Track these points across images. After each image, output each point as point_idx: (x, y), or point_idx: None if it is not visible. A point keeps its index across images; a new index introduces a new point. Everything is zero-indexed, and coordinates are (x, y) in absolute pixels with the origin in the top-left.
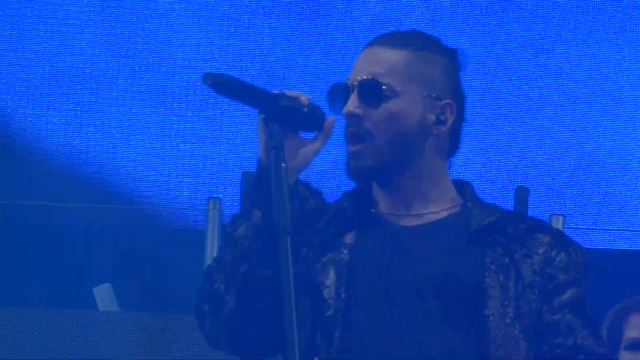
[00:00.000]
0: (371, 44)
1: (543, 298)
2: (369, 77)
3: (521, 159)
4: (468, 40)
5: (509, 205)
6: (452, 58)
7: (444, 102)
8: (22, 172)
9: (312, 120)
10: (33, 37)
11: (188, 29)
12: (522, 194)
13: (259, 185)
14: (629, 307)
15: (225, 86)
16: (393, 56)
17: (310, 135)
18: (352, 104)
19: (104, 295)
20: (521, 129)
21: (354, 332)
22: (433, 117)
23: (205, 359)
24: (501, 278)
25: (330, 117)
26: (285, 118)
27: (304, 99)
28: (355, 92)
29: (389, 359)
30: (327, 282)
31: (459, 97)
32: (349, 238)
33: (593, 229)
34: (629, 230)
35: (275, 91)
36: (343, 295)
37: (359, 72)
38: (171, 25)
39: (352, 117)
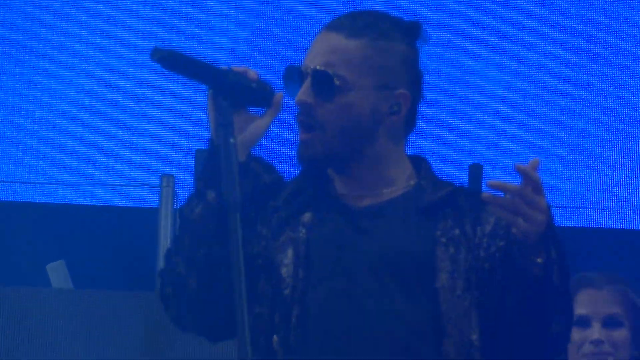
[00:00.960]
0: (328, 27)
1: (489, 255)
2: (323, 68)
3: (475, 135)
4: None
5: (463, 182)
6: (410, 42)
7: (399, 92)
8: None
9: (260, 95)
10: None
11: (144, 5)
12: (475, 170)
13: (211, 163)
14: (578, 283)
15: (172, 62)
16: (349, 46)
17: (260, 111)
18: (304, 93)
19: (58, 272)
20: (475, 106)
21: (311, 310)
22: (386, 108)
23: (158, 338)
24: (452, 250)
25: (279, 93)
26: (234, 94)
27: (252, 74)
28: (309, 81)
29: (346, 336)
30: (285, 261)
31: (415, 83)
32: (307, 217)
33: (556, 206)
34: (582, 208)
35: (224, 67)
36: (301, 274)
37: (314, 58)
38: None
39: (303, 106)
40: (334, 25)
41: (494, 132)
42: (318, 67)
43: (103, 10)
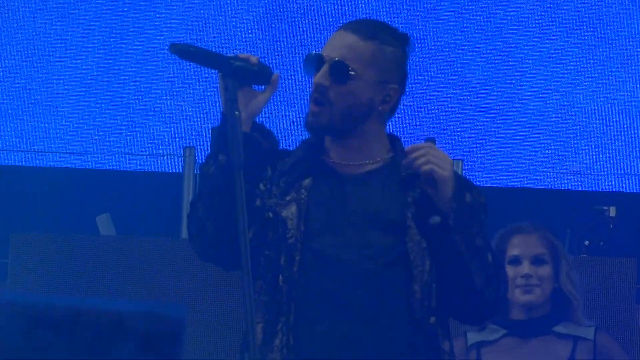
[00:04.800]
0: (346, 27)
1: (428, 211)
2: (340, 58)
3: (429, 112)
4: None
5: None
6: (404, 48)
7: (391, 86)
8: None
9: (261, 75)
10: None
11: None
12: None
13: (222, 131)
14: (512, 230)
15: (187, 53)
16: (362, 46)
17: (262, 88)
18: (323, 76)
19: (104, 223)
20: (431, 87)
21: (310, 255)
22: (380, 97)
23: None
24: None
25: (276, 73)
26: (239, 75)
27: (253, 59)
28: (327, 67)
29: (334, 273)
30: (290, 216)
31: (403, 80)
32: (307, 182)
33: (486, 169)
34: (514, 170)
35: (230, 54)
36: (302, 227)
37: (333, 50)
38: None
39: (320, 87)
40: (352, 27)
41: (445, 108)
42: (337, 58)
43: None
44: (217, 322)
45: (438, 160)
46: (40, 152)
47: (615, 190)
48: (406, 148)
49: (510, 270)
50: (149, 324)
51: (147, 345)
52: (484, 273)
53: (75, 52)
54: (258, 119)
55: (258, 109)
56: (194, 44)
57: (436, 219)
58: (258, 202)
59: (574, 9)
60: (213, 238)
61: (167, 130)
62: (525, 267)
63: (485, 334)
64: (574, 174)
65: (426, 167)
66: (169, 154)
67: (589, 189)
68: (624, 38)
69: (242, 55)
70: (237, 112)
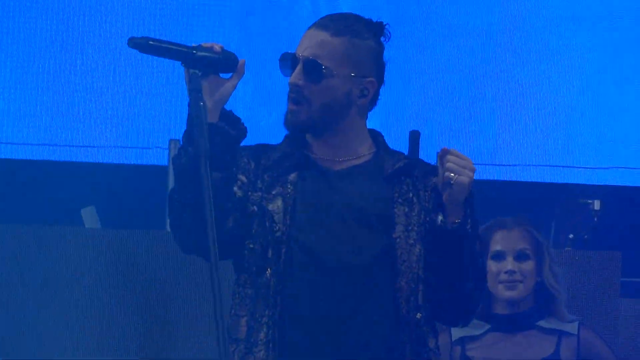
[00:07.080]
0: (317, 26)
1: (434, 209)
2: (313, 57)
3: (411, 104)
4: None
5: (404, 145)
6: (377, 39)
7: (368, 80)
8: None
9: (226, 63)
10: None
11: None
12: (414, 135)
13: (190, 123)
14: (495, 225)
15: (146, 47)
16: (333, 43)
17: (228, 76)
18: (297, 76)
19: (89, 216)
20: (413, 80)
21: (296, 249)
22: (357, 92)
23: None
24: (406, 209)
25: (242, 60)
26: (203, 65)
27: (217, 47)
28: (301, 66)
29: (321, 267)
30: (277, 210)
31: (380, 72)
32: (292, 177)
33: None
34: (499, 164)
35: (193, 44)
36: (288, 221)
37: (306, 49)
38: None
39: (295, 86)
40: (322, 25)
41: (429, 103)
42: (310, 57)
43: None
44: (204, 315)
45: (470, 171)
46: (26, 144)
47: (600, 183)
48: (450, 151)
49: (493, 266)
50: None
51: None
52: (476, 277)
53: (61, 44)
54: (238, 113)
55: (225, 96)
56: (154, 37)
57: (439, 217)
58: (239, 193)
59: (561, 2)
60: (191, 229)
61: (153, 123)
62: (509, 263)
63: (469, 329)
64: (559, 166)
65: (461, 179)
66: (155, 147)
67: (574, 182)
68: (612, 30)
69: (205, 44)
70: (201, 103)
